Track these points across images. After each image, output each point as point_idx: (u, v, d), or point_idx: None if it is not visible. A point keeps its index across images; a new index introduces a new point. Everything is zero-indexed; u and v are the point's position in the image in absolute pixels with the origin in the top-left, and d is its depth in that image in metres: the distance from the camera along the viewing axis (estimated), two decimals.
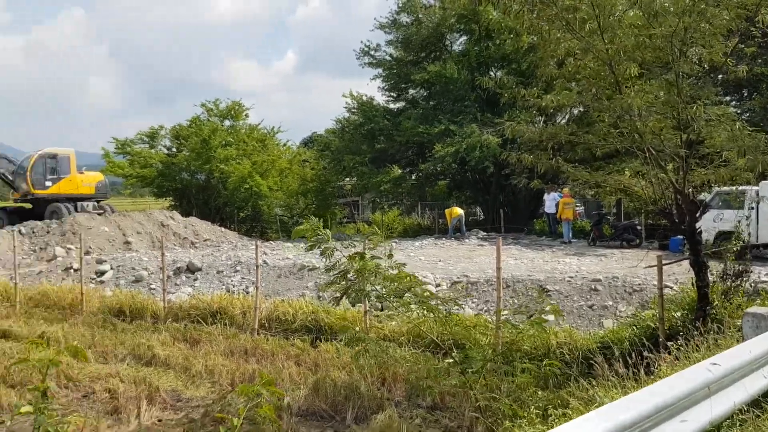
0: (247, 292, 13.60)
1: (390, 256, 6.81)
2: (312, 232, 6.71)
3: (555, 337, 8.25)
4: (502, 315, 7.72)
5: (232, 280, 15.13)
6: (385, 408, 6.84)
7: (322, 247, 6.67)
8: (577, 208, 24.99)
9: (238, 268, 15.90)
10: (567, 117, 24.01)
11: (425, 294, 6.78)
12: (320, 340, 10.11)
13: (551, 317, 9.34)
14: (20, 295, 14.35)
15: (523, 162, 8.38)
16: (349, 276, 6.98)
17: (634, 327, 8.06)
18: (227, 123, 38.08)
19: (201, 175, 36.62)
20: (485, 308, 11.57)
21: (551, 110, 14.61)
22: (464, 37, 29.08)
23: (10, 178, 27.44)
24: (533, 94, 8.11)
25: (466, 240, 22.51)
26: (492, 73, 27.10)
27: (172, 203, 37.71)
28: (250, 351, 9.97)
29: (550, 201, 22.62)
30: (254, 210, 35.41)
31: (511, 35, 24.52)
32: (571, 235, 21.12)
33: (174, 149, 38.49)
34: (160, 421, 7.68)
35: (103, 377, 9.10)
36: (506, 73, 24.71)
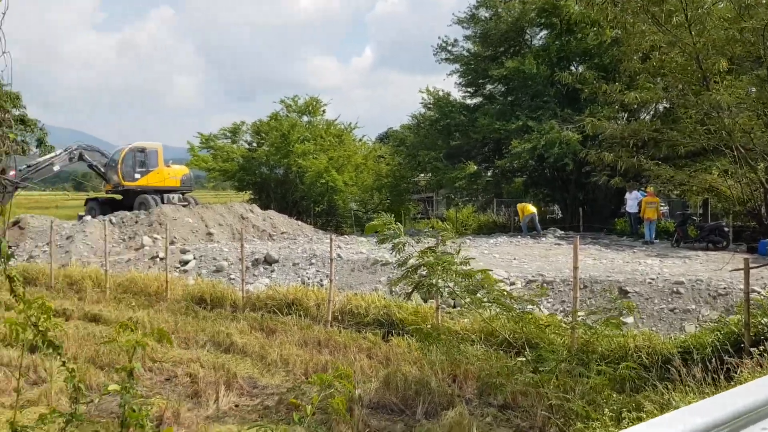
0: (322, 285, 13.85)
1: (459, 252, 6.78)
2: (384, 227, 6.75)
3: (633, 340, 8.00)
4: (578, 316, 7.55)
5: (307, 273, 15.44)
6: (455, 405, 6.82)
7: (394, 241, 6.69)
8: (661, 208, 24.07)
9: (313, 261, 16.21)
10: (651, 113, 23.13)
11: (499, 292, 6.72)
12: (392, 335, 10.18)
13: (630, 320, 9.06)
14: (110, 282, 15.15)
15: (604, 159, 8.15)
16: (420, 271, 7.00)
17: (718, 332, 7.71)
18: (305, 119, 38.84)
19: (279, 170, 37.53)
20: (561, 308, 11.34)
21: (634, 106, 14.12)
22: (544, 32, 28.49)
23: (103, 170, 28.98)
24: (615, 90, 7.88)
25: (543, 238, 22.09)
26: (573, 68, 26.41)
27: (252, 196, 38.84)
28: (323, 342, 10.15)
29: (632, 200, 21.88)
30: (330, 204, 35.98)
31: (594, 29, 23.83)
32: (653, 236, 20.35)
33: (254, 144, 39.60)
34: (237, 406, 7.92)
35: (184, 362, 9.48)
36: (587, 67, 24.01)
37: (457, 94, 31.00)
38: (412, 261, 6.69)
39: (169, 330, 11.07)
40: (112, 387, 2.74)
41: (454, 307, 11.35)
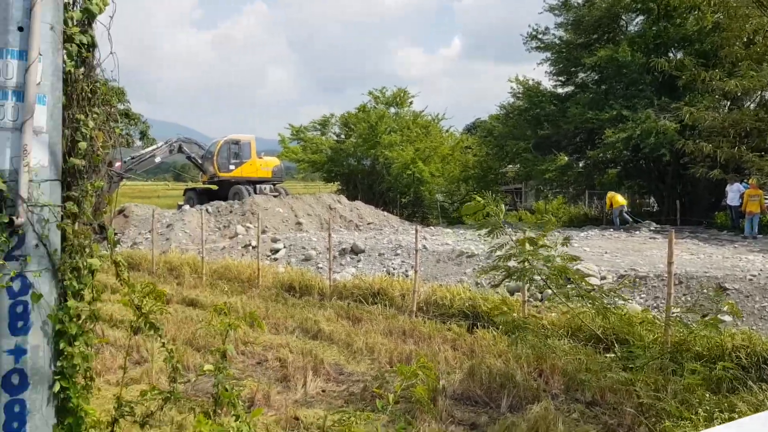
0: (407, 275, 13.94)
1: (566, 240, 6.60)
2: (481, 209, 6.50)
3: (731, 339, 7.58)
4: (672, 312, 7.24)
5: (392, 263, 15.57)
6: (541, 399, 6.71)
7: (491, 225, 6.52)
8: (766, 201, 22.61)
9: (399, 251, 16.32)
10: (755, 102, 21.76)
11: (588, 286, 6.54)
12: (477, 327, 10.11)
13: (728, 318, 8.60)
14: (206, 268, 15.85)
15: (703, 150, 7.75)
16: (511, 262, 6.89)
17: None
18: (392, 110, 39.05)
19: (367, 161, 37.97)
20: (654, 304, 10.90)
21: (737, 94, 13.31)
22: (640, 17, 27.29)
23: (200, 161, 30.28)
24: (716, 77, 7.46)
25: (637, 232, 21.27)
26: (670, 55, 25.19)
27: (340, 187, 39.51)
28: (407, 332, 10.22)
29: (734, 192, 20.65)
30: (416, 195, 36.08)
31: (694, 13, 22.62)
32: (756, 230, 19.15)
33: (342, 136, 40.24)
34: (323, 391, 8.10)
35: (274, 347, 9.78)
36: (686, 54, 22.87)
37: (547, 83, 30.29)
38: (506, 249, 6.56)
39: (260, 315, 11.48)
40: (207, 367, 2.90)
41: (542, 300, 11.14)
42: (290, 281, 14.04)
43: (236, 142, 30.69)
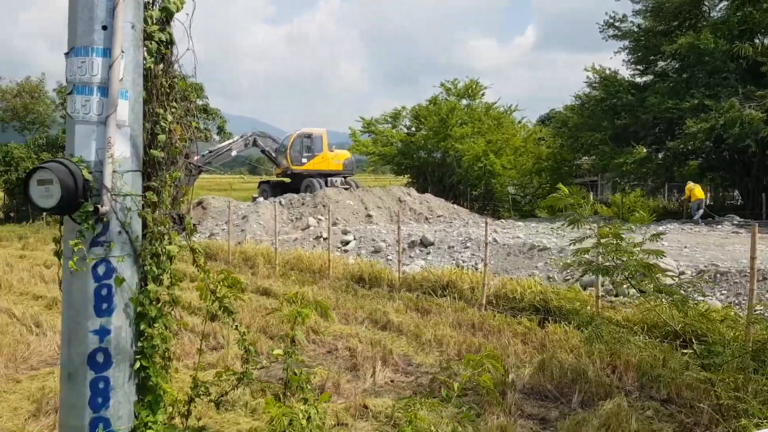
0: (476, 269, 13.85)
1: (657, 236, 6.39)
2: (564, 200, 6.33)
3: None
4: (755, 310, 6.91)
5: (462, 256, 15.50)
6: (613, 395, 6.56)
7: (573, 219, 6.35)
8: None
9: (468, 244, 16.23)
10: None
11: (666, 281, 6.31)
12: (548, 321, 9.95)
13: None
14: (279, 259, 16.24)
15: None
16: (588, 255, 6.70)
17: None
18: (464, 102, 38.74)
19: (437, 154, 37.84)
20: (736, 301, 10.42)
21: None
22: (724, 3, 25.97)
23: (274, 155, 30.98)
24: None
25: (719, 226, 20.34)
26: (756, 41, 23.86)
27: (410, 180, 39.56)
28: (477, 325, 10.17)
29: None
30: (487, 188, 35.70)
31: None
32: None
33: (413, 128, 40.26)
34: (392, 381, 8.17)
35: (344, 336, 9.94)
36: None
37: (625, 72, 29.36)
38: (587, 242, 6.39)
39: (330, 306, 11.65)
40: (277, 351, 3.00)
41: (617, 296, 10.85)
42: (360, 273, 14.20)
43: (308, 136, 31.23)
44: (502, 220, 24.96)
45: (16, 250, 21.28)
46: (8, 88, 43.06)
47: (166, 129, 2.68)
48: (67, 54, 2.47)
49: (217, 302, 2.82)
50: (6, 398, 7.43)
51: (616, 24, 28.56)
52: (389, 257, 16.41)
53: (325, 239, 18.58)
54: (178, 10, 2.69)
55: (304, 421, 2.72)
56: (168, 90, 2.70)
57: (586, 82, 30.33)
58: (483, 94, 38.92)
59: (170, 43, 2.71)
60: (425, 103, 39.10)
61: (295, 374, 2.87)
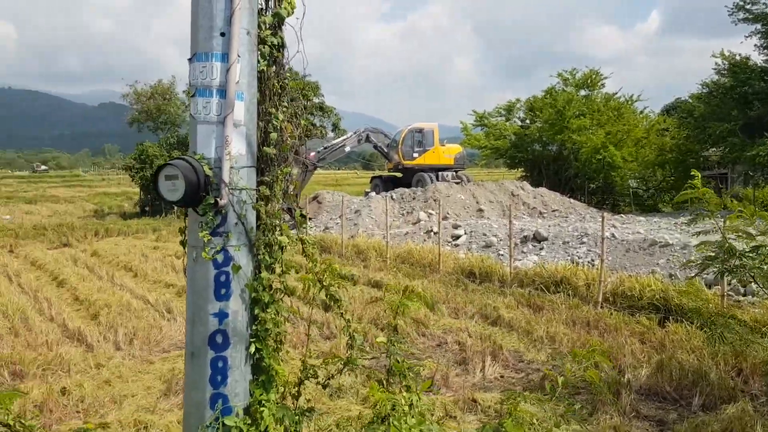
0: (592, 265, 13.42)
1: None
2: (697, 195, 5.99)
3: None
4: None
5: (577, 252, 15.07)
6: (737, 399, 6.18)
7: (698, 212, 6.00)
8: None
9: (584, 239, 15.74)
10: None
11: None
12: (668, 321, 9.50)
13: None
14: (390, 252, 16.53)
15: None
16: (721, 253, 6.33)
17: None
18: (582, 93, 37.45)
19: (553, 146, 36.87)
20: None
21: None
22: None
23: (386, 150, 31.45)
24: None
25: None
26: None
27: (523, 174, 38.81)
28: (592, 323, 9.88)
29: None
30: (606, 182, 34.34)
31: None
32: None
33: (527, 121, 39.45)
34: (501, 377, 8.14)
35: (454, 330, 9.99)
36: None
37: (757, 58, 27.17)
38: (711, 236, 6.05)
39: (439, 299, 11.77)
40: (380, 339, 3.12)
41: (745, 295, 10.18)
42: (470, 267, 14.18)
43: (420, 131, 31.42)
44: (622, 215, 23.94)
45: (150, 242, 23.05)
46: (143, 91, 46.57)
47: (278, 127, 2.86)
48: (190, 60, 2.71)
49: (323, 290, 2.97)
50: (141, 378, 8.13)
51: (747, 6, 26.53)
52: (501, 252, 16.25)
53: (435, 233, 18.68)
54: (288, 14, 2.86)
55: (406, 407, 2.81)
56: (280, 91, 2.88)
57: (715, 69, 28.43)
58: (603, 85, 37.44)
59: (282, 46, 2.89)
60: (540, 95, 38.18)
61: (398, 362, 2.97)
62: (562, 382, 3.01)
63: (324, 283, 2.95)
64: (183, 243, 2.78)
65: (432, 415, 6.63)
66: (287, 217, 3.09)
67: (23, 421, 2.56)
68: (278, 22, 2.86)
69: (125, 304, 11.92)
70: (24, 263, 18.55)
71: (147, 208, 35.63)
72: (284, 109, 2.88)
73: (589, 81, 36.98)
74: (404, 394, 2.90)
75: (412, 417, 2.74)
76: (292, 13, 2.87)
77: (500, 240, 17.23)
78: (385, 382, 3.00)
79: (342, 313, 2.95)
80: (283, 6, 2.82)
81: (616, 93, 37.65)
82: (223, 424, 2.67)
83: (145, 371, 8.42)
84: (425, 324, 10.29)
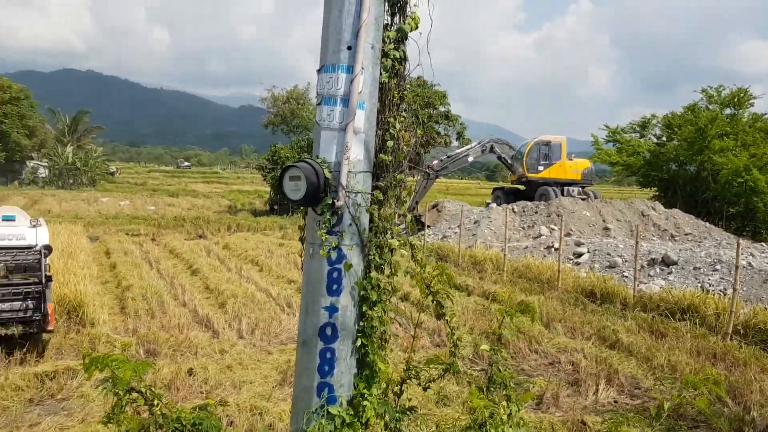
0: (724, 294, 12.55)
1: None
2: None
3: None
4: None
5: (708, 279, 14.14)
6: None
7: None
8: None
9: (718, 267, 14.74)
10: None
11: None
12: None
13: None
14: (507, 265, 16.33)
15: None
16: None
17: None
18: (727, 111, 35.04)
19: (690, 166, 34.76)
20: None
21: None
22: None
23: (510, 162, 31.04)
24: None
25: None
26: None
27: (656, 193, 36.88)
28: (718, 355, 9.28)
29: None
30: (747, 207, 31.83)
31: None
32: None
33: (664, 138, 37.47)
34: (615, 402, 7.85)
35: (568, 350, 9.74)
36: None
37: None
38: None
39: (555, 317, 11.50)
40: (484, 347, 3.17)
41: None
42: (591, 287, 13.72)
43: (547, 143, 30.73)
44: (763, 243, 22.13)
45: (276, 239, 24.22)
46: (279, 96, 49.01)
47: (395, 136, 3.01)
48: (318, 71, 2.92)
49: (431, 296, 3.08)
50: (259, 367, 8.62)
51: None
52: (625, 274, 15.57)
53: (556, 250, 18.21)
54: (412, 29, 3.01)
55: (504, 416, 2.85)
56: (398, 101, 3.04)
57: None
58: (751, 104, 34.79)
59: (403, 59, 3.04)
60: (680, 111, 36.12)
61: (499, 371, 3.01)
62: (668, 407, 2.93)
63: (432, 289, 3.05)
64: (302, 239, 3.00)
65: (535, 428, 6.54)
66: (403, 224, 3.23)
67: (153, 390, 2.87)
68: (401, 37, 3.01)
69: (250, 295, 12.66)
70: (164, 251, 20.14)
71: (275, 207, 37.36)
72: (402, 118, 3.02)
73: (736, 99, 34.50)
74: (504, 403, 2.94)
75: (510, 427, 2.77)
76: (416, 27, 3.01)
77: (625, 261, 16.51)
78: (485, 389, 3.05)
79: (447, 320, 3.04)
80: (407, 22, 2.97)
81: (766, 114, 34.91)
82: (328, 412, 2.84)
83: (264, 360, 8.91)
84: (538, 341, 10.11)
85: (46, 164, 57.28)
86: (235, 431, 6.09)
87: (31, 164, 58.05)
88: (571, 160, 31.38)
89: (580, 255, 17.91)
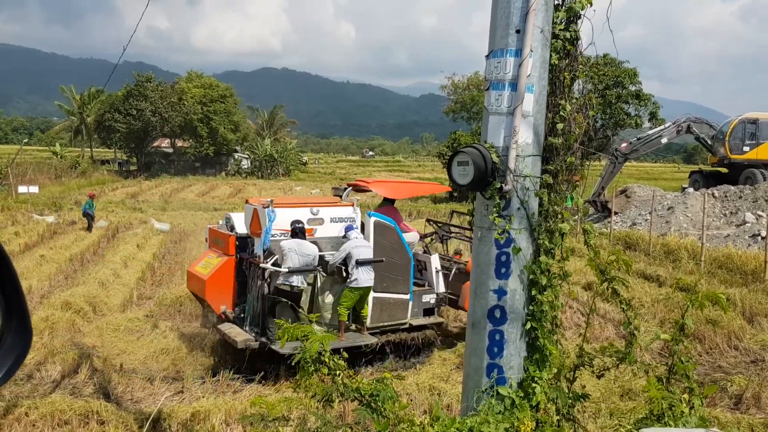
0: None
1: None
2: None
3: None
4: None
5: None
6: None
7: None
8: None
9: None
10: None
11: None
12: None
13: None
14: (705, 255, 15.01)
15: None
16: None
17: None
18: None
19: None
20: None
21: None
22: None
23: (710, 142, 28.34)
24: None
25: None
26: None
27: None
28: None
29: None
30: None
31: None
32: None
33: None
34: None
35: None
36: None
37: None
38: None
39: (760, 312, 10.44)
40: (664, 336, 3.01)
41: None
42: None
43: (754, 121, 27.56)
44: None
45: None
46: (459, 83, 49.08)
47: (565, 118, 2.95)
48: (487, 56, 2.95)
49: (605, 283, 2.99)
50: (441, 349, 8.86)
51: None
52: None
53: (763, 238, 16.39)
54: (584, 8, 2.92)
55: (685, 409, 2.70)
56: (570, 83, 2.97)
57: None
58: None
59: (575, 39, 2.96)
60: None
61: (681, 362, 2.85)
62: None
63: (607, 275, 2.96)
64: (470, 223, 3.06)
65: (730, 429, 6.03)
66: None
67: (336, 360, 3.11)
68: (573, 17, 2.93)
69: None
70: None
71: (455, 194, 37.59)
72: (573, 100, 2.95)
73: None
74: (685, 396, 2.78)
75: (690, 420, 2.62)
76: (588, 6, 2.92)
77: None
78: (665, 380, 2.90)
79: (624, 309, 2.93)
80: (578, 1, 2.89)
81: None
82: (497, 393, 2.89)
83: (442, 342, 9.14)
84: (739, 337, 9.28)
85: (247, 156, 62.74)
86: (410, 405, 6.34)
87: (236, 156, 63.93)
88: None
89: None
